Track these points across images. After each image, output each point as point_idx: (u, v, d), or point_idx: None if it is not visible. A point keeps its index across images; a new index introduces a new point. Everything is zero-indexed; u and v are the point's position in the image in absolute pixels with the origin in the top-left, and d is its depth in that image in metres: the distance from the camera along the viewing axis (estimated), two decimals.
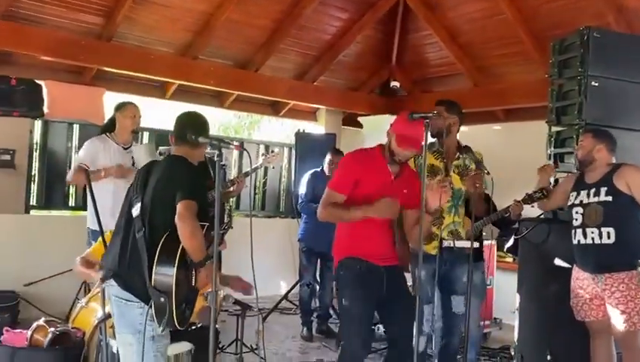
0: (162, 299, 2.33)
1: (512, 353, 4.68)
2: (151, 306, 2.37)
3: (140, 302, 2.43)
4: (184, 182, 2.44)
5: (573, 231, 3.52)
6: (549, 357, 4.15)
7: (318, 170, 5.35)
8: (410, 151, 2.99)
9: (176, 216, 2.34)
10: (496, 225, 3.86)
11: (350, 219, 2.96)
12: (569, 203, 3.57)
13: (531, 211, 4.45)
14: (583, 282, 3.49)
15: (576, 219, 3.49)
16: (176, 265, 2.33)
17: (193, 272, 2.48)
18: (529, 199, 3.75)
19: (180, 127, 2.67)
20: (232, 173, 6.68)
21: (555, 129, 4.44)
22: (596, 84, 4.06)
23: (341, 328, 3.24)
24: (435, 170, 3.50)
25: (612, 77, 4.10)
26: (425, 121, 2.67)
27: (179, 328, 2.42)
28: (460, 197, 3.55)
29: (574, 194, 3.55)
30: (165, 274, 2.34)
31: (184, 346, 3.20)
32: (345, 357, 3.00)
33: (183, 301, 2.40)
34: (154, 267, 2.35)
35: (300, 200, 5.39)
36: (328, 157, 5.29)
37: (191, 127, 2.63)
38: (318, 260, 5.34)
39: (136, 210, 2.49)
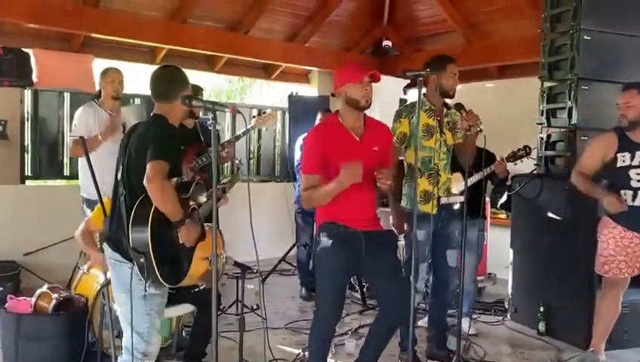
0: (142, 260, 2.35)
1: (506, 306, 4.81)
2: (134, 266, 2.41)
3: (128, 263, 2.45)
4: (155, 142, 2.40)
5: (627, 192, 3.39)
6: (541, 309, 4.27)
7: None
8: (369, 82, 2.82)
9: (144, 178, 2.33)
10: (490, 181, 3.90)
11: (329, 195, 2.81)
12: (620, 164, 3.40)
13: (525, 166, 4.50)
14: (628, 241, 3.44)
15: (638, 181, 3.36)
16: (149, 225, 2.33)
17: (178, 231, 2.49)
18: (512, 156, 3.78)
19: (152, 84, 2.59)
20: (226, 138, 6.67)
21: (547, 84, 4.46)
22: (589, 38, 4.05)
23: (316, 293, 3.23)
24: (431, 130, 3.47)
25: (605, 30, 4.10)
26: (418, 80, 2.66)
27: (167, 286, 2.47)
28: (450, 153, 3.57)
29: (626, 155, 3.39)
30: (140, 235, 2.35)
31: (186, 308, 3.28)
32: (317, 321, 3.02)
33: (166, 260, 2.42)
34: (129, 228, 2.37)
35: (296, 164, 5.41)
36: (319, 117, 5.28)
37: (162, 81, 2.57)
38: (314, 222, 5.39)
39: (120, 173, 2.51)
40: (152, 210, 2.35)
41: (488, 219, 5.45)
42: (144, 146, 2.40)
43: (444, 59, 3.48)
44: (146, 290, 2.45)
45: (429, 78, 3.34)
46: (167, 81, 2.57)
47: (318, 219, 3.03)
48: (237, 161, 2.99)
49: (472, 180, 3.79)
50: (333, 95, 3.00)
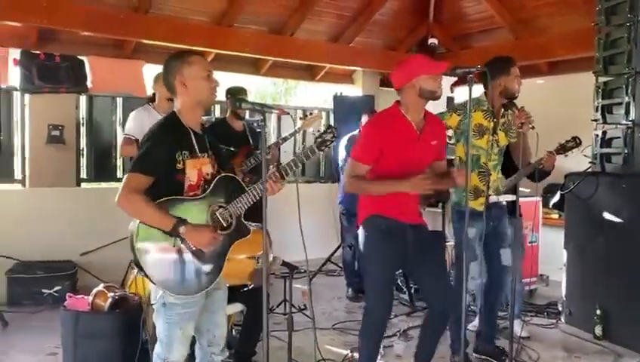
0: (142, 273, 2.32)
1: (560, 308, 4.66)
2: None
3: None
4: (140, 151, 2.36)
5: None
6: (598, 312, 4.12)
7: (355, 133, 5.34)
8: (441, 74, 2.84)
9: None
10: (530, 178, 3.79)
11: (379, 193, 2.88)
12: None
13: (578, 165, 4.36)
14: None
15: None
16: (135, 239, 2.29)
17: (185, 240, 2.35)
18: (561, 149, 3.65)
19: (163, 77, 2.48)
20: (272, 140, 6.73)
21: (602, 79, 4.32)
22: None
23: (365, 289, 3.22)
24: (482, 130, 3.44)
25: None
26: (469, 77, 2.61)
27: (183, 295, 2.35)
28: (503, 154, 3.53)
29: None
30: (132, 248, 2.31)
31: (236, 307, 3.32)
32: (368, 317, 3.01)
33: (165, 271, 2.32)
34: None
35: (340, 165, 5.41)
36: (364, 118, 5.26)
37: (165, 72, 2.45)
38: None
39: None
40: (138, 224, 2.30)
41: (540, 218, 5.31)
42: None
43: (507, 62, 3.44)
44: (167, 299, 2.36)
45: (492, 84, 3.38)
46: (163, 74, 2.47)
47: (362, 212, 3.00)
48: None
49: (513, 179, 3.69)
50: (398, 90, 2.92)
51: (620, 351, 3.94)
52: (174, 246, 2.33)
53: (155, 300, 2.41)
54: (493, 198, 3.45)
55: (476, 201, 3.43)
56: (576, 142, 3.60)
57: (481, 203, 3.43)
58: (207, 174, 2.45)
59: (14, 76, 5.30)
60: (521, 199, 3.50)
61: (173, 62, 2.43)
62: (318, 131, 2.61)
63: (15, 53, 5.28)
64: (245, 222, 2.54)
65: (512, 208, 3.55)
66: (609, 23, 4.18)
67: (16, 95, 5.48)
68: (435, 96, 2.85)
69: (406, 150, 2.85)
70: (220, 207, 2.46)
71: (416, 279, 3.21)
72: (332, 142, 2.58)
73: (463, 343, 2.90)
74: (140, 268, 2.31)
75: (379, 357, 3.50)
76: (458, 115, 3.42)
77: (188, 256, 2.36)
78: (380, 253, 2.91)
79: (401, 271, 4.71)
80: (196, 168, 2.40)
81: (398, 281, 5.06)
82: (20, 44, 5.32)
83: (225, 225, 2.46)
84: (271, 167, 2.50)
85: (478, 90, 3.48)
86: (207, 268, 2.41)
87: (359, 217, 3.05)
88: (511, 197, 3.44)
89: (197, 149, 2.41)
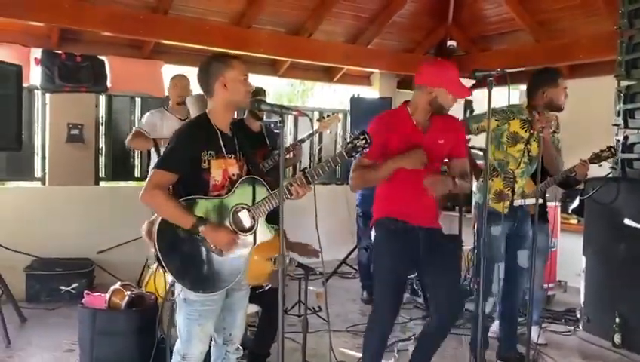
0: (162, 268, 2.35)
1: (578, 315, 4.60)
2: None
3: None
4: (167, 148, 2.42)
5: None
6: (617, 319, 4.06)
7: None
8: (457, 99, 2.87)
9: None
10: (561, 186, 3.75)
11: (381, 176, 2.82)
12: None
13: (598, 170, 4.30)
14: None
15: None
16: (155, 236, 2.32)
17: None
18: (596, 158, 3.60)
19: (201, 78, 2.49)
20: (288, 141, 6.73)
21: (624, 83, 4.26)
22: None
23: (374, 291, 3.20)
24: (517, 139, 3.41)
25: None
26: (489, 80, 2.59)
27: (200, 293, 2.38)
28: (535, 163, 3.49)
29: None
30: (154, 243, 2.34)
31: (251, 308, 3.32)
32: (373, 317, 2.98)
33: (185, 269, 2.36)
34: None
35: None
36: None
37: (199, 76, 2.48)
38: None
39: None
40: (160, 219, 2.34)
41: (559, 224, 5.25)
42: None
43: (555, 74, 3.44)
44: (188, 296, 2.40)
45: (537, 95, 3.38)
46: (201, 74, 2.47)
47: (375, 214, 2.98)
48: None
49: (544, 186, 3.65)
50: (416, 85, 2.88)
51: (639, 359, 3.87)
52: (195, 244, 2.36)
53: (177, 295, 2.45)
54: (518, 201, 3.43)
55: (498, 204, 3.42)
56: (611, 151, 3.57)
57: (505, 206, 3.41)
58: (234, 175, 2.47)
59: (35, 75, 5.37)
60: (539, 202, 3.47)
61: (215, 64, 2.45)
62: (352, 135, 2.59)
63: (36, 53, 5.35)
64: (268, 225, 2.55)
65: (541, 213, 3.52)
66: (632, 26, 4.13)
67: (37, 94, 5.56)
68: (442, 112, 2.85)
69: (408, 146, 2.79)
70: (243, 208, 2.47)
71: (423, 284, 3.18)
72: (364, 148, 2.49)
73: (481, 345, 2.87)
74: (160, 263, 2.34)
75: (392, 361, 3.49)
76: (496, 120, 3.39)
77: (208, 254, 2.38)
78: (388, 255, 2.89)
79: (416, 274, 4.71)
80: (222, 168, 2.43)
81: (414, 284, 5.03)
82: (41, 43, 5.40)
83: (247, 226, 2.47)
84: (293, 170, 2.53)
85: (499, 92, 3.45)
86: (226, 268, 2.43)
87: (372, 219, 3.03)
88: (530, 201, 3.40)
89: (224, 150, 2.44)
